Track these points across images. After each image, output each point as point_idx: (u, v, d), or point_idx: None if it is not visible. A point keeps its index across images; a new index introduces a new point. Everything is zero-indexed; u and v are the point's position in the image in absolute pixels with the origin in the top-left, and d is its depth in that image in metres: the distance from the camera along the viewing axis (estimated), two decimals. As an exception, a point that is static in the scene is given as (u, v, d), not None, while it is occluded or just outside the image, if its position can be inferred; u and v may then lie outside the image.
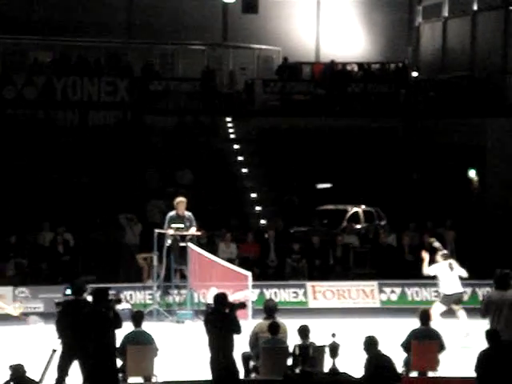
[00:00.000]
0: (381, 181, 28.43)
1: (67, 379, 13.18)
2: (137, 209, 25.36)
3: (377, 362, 12.07)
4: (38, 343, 16.58)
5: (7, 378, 11.46)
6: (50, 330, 14.28)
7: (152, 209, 25.49)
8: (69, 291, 13.41)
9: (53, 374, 13.15)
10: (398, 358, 13.35)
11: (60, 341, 13.13)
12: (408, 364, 13.68)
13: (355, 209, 26.82)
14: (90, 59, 30.08)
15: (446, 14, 34.76)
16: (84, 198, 26.18)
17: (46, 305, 20.72)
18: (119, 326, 12.62)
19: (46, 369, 13.07)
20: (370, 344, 12.23)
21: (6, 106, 28.66)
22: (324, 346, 12.81)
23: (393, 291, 22.25)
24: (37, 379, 12.28)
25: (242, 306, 13.19)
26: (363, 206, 27.04)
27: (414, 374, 13.71)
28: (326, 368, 12.78)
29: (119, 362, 13.00)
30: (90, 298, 13.15)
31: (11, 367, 11.42)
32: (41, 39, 31.14)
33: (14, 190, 26.15)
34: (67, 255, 23.38)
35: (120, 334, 12.99)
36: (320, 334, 13.26)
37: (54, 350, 13.11)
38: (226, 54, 32.95)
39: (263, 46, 33.33)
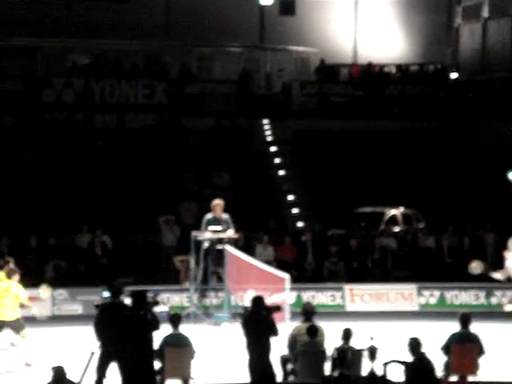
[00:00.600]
0: (419, 183, 28.21)
1: (105, 381, 13.22)
2: (174, 211, 25.42)
3: (419, 365, 11.96)
4: (76, 345, 16.66)
5: (49, 379, 11.50)
6: (88, 332, 14.33)
7: (185, 211, 25.53)
8: (106, 293, 13.43)
9: (91, 375, 13.19)
10: (438, 362, 13.22)
11: (98, 343, 13.16)
12: (448, 367, 13.54)
13: (393, 211, 26.63)
14: (128, 62, 30.23)
15: (485, 14, 34.48)
16: (122, 201, 26.28)
17: (85, 307, 20.81)
18: (157, 328, 12.63)
19: (84, 371, 13.12)
20: (415, 345, 12.14)
21: (45, 110, 28.87)
22: (362, 349, 12.73)
23: (432, 294, 22.03)
24: (76, 381, 12.31)
25: (277, 309, 13.14)
26: (401, 209, 26.85)
27: (453, 377, 13.56)
28: (365, 371, 12.70)
29: (157, 365, 13.00)
30: (127, 301, 13.18)
31: (53, 369, 11.46)
32: (79, 42, 31.37)
33: (52, 193, 26.32)
34: (105, 257, 23.47)
35: (158, 337, 12.99)
36: (358, 338, 13.16)
37: (93, 353, 13.15)
38: (263, 56, 32.95)
39: (300, 48, 33.29)
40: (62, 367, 11.48)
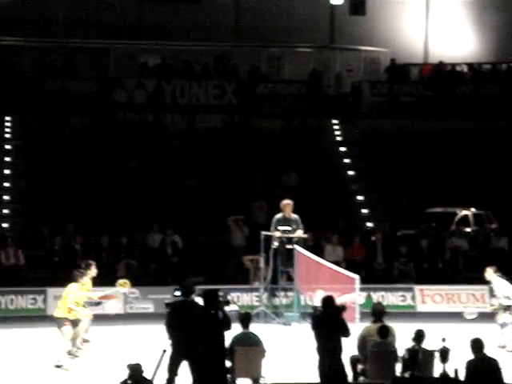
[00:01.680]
0: (491, 183, 27.85)
1: (177, 379, 13.33)
2: (244, 211, 25.52)
3: (480, 365, 11.83)
4: (148, 343, 16.85)
5: (124, 376, 11.62)
6: (159, 330, 14.49)
7: (256, 210, 25.60)
8: (178, 292, 13.54)
9: (163, 374, 13.32)
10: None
11: (170, 341, 13.29)
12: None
13: (464, 212, 26.37)
14: (198, 63, 30.46)
15: (559, 12, 33.88)
16: (192, 201, 26.48)
17: (156, 305, 21.04)
18: (229, 327, 12.68)
19: (156, 369, 13.24)
20: (477, 346, 12.01)
21: (117, 110, 29.25)
22: (434, 350, 12.63)
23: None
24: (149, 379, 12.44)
25: (343, 308, 13.10)
26: (473, 209, 26.55)
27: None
28: (437, 373, 12.60)
29: (227, 363, 13.06)
30: (198, 300, 13.27)
31: (129, 366, 11.57)
32: (150, 44, 31.70)
33: (124, 193, 26.65)
34: (176, 257, 23.70)
35: (228, 336, 13.06)
36: (429, 339, 13.06)
37: (165, 351, 13.27)
38: (332, 56, 32.86)
39: (370, 48, 33.11)
40: (139, 364, 11.58)
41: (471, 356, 12.09)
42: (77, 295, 16.15)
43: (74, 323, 16.20)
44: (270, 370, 13.70)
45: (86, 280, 16.77)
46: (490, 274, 16.68)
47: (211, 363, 12.30)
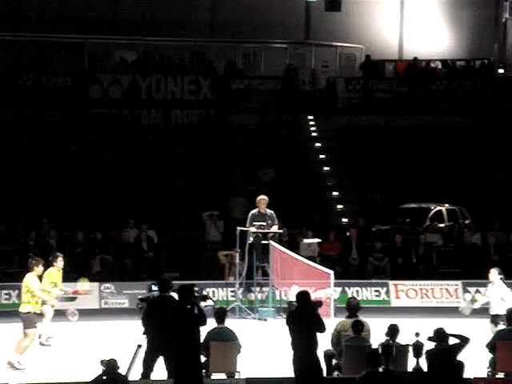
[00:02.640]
0: (465, 179, 28.04)
1: (152, 374, 13.35)
2: (219, 206, 25.55)
3: (440, 353, 12.00)
4: (123, 338, 16.85)
5: (99, 372, 11.62)
6: (134, 325, 14.49)
7: (234, 206, 25.64)
8: (155, 287, 13.56)
9: (138, 369, 13.33)
10: (484, 359, 13.19)
11: (145, 336, 13.30)
12: (494, 365, 13.49)
13: (438, 207, 26.52)
14: (174, 58, 30.42)
15: (533, 9, 34.13)
16: (167, 196, 26.47)
17: (131, 301, 21.01)
18: (204, 322, 12.69)
19: (131, 364, 13.26)
20: (441, 334, 12.18)
21: (93, 105, 29.17)
22: (408, 345, 12.73)
23: (478, 291, 21.91)
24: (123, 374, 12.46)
25: (319, 304, 13.17)
26: (446, 205, 26.72)
27: (500, 374, 13.50)
28: (410, 367, 12.70)
29: (202, 359, 13.09)
30: (174, 295, 13.28)
31: (104, 362, 11.56)
32: (126, 39, 31.61)
33: (99, 188, 26.59)
34: (151, 252, 23.67)
35: (203, 331, 13.08)
36: (403, 334, 13.16)
37: (139, 346, 13.28)
38: (308, 52, 32.92)
39: (345, 44, 33.21)
40: (114, 360, 11.58)
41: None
42: (37, 284, 15.77)
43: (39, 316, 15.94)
44: (245, 364, 13.75)
45: (53, 271, 16.76)
46: (494, 274, 16.81)
47: (186, 358, 12.31)
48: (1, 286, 21.63)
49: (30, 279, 15.79)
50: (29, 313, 15.64)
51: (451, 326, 13.00)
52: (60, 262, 17.08)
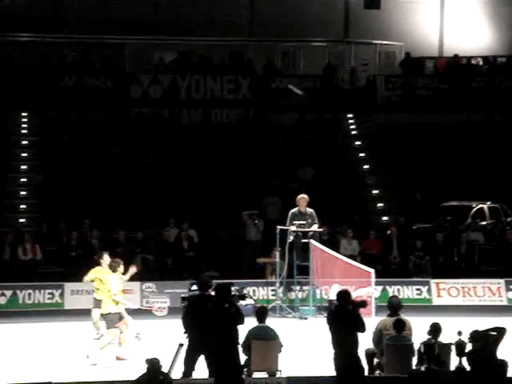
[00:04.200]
0: (507, 176, 27.78)
1: (194, 373, 13.39)
2: (259, 206, 25.58)
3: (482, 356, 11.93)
4: (164, 337, 16.92)
5: (143, 371, 11.67)
6: (176, 324, 14.55)
7: (268, 205, 25.66)
8: (195, 287, 13.60)
9: (180, 367, 13.38)
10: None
11: (187, 335, 13.34)
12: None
13: (480, 205, 26.31)
14: (213, 58, 30.50)
15: None
16: (208, 195, 26.54)
17: (172, 299, 21.09)
18: (242, 321, 12.71)
19: (173, 363, 13.31)
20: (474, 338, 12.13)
21: (133, 105, 29.32)
22: (450, 344, 12.64)
23: (521, 289, 21.75)
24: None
25: (363, 304, 13.13)
26: (488, 203, 26.50)
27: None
28: (453, 366, 12.62)
29: (244, 357, 13.12)
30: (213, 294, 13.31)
31: (148, 361, 11.61)
32: (165, 39, 31.74)
33: (140, 188, 26.73)
34: (191, 251, 23.76)
35: (244, 330, 13.10)
36: (445, 332, 13.08)
37: (181, 345, 13.33)
38: (347, 50, 32.80)
39: (385, 42, 33.04)
40: (157, 359, 11.61)
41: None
42: (117, 286, 15.90)
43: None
44: (286, 363, 13.74)
45: (100, 269, 16.79)
46: None
47: (225, 357, 12.35)
48: (43, 285, 21.83)
49: (113, 281, 15.87)
50: (109, 313, 15.76)
51: (494, 324, 12.87)
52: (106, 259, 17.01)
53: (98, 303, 16.60)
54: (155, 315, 16.64)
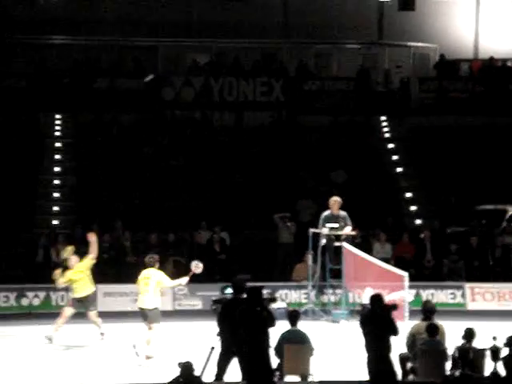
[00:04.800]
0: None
1: (225, 376, 13.33)
2: (291, 208, 25.49)
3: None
4: (196, 340, 16.88)
5: (175, 374, 11.62)
6: (207, 327, 14.51)
7: (301, 208, 25.56)
8: (229, 290, 13.56)
9: (212, 370, 13.33)
10: None
11: (219, 338, 13.29)
12: None
13: (516, 209, 26.03)
14: (246, 60, 30.46)
15: None
16: (240, 198, 26.50)
17: (204, 302, 21.09)
18: (272, 324, 12.67)
19: (205, 366, 13.26)
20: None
21: (165, 107, 29.37)
22: (485, 349, 12.48)
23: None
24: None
25: (394, 308, 13.01)
26: (524, 206, 26.21)
27: None
28: (487, 372, 12.45)
29: (276, 361, 13.04)
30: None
31: (180, 364, 11.56)
32: (198, 41, 31.77)
33: (171, 190, 26.75)
34: (223, 254, 23.72)
35: (276, 333, 13.03)
36: (480, 337, 12.91)
37: (213, 348, 13.28)
38: (381, 53, 32.61)
39: (419, 44, 32.82)
40: (190, 363, 11.56)
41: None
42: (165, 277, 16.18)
43: None
44: (319, 367, 13.65)
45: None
46: None
47: (256, 360, 12.30)
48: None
49: (160, 275, 16.10)
50: (156, 308, 15.95)
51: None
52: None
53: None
54: (194, 273, 16.53)
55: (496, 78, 30.86)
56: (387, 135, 30.48)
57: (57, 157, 28.40)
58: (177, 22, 31.85)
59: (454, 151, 28.96)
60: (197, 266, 16.50)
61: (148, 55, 31.06)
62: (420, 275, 22.63)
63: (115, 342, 17.78)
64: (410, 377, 13.18)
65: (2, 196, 25.62)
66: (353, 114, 29.89)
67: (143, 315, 16.14)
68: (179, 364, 11.58)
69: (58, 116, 29.37)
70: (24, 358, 16.43)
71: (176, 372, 11.63)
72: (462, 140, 29.28)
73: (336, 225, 20.29)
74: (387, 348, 12.50)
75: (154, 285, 16.02)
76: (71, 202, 26.59)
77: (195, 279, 22.41)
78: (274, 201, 25.93)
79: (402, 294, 17.38)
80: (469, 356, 12.16)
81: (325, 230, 20.22)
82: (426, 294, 21.64)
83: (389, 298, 16.64)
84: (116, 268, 23.18)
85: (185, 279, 16.51)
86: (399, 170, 29.18)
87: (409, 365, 13.23)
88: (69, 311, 17.81)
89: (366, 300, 14.00)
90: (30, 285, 21.85)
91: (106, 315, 20.56)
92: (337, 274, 20.54)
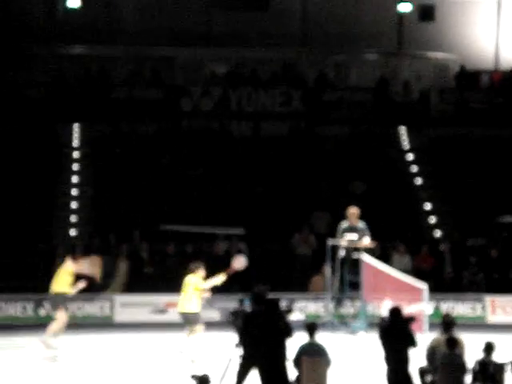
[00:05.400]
0: None
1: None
2: (308, 219, 25.37)
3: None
4: (214, 351, 16.77)
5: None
6: (225, 339, 14.39)
7: (317, 220, 25.44)
8: (247, 302, 13.51)
9: (230, 381, 13.21)
10: None
11: (240, 348, 13.20)
12: None
13: (536, 221, 25.80)
14: (265, 70, 30.42)
15: None
16: (258, 208, 26.40)
17: (222, 314, 20.95)
18: (290, 336, 12.59)
19: (222, 377, 13.17)
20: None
21: (183, 118, 29.35)
22: (505, 363, 12.31)
23: None
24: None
25: (412, 319, 12.88)
26: (545, 218, 25.97)
27: None
28: (508, 386, 12.29)
29: (294, 373, 12.92)
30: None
31: (195, 377, 11.43)
32: (217, 51, 31.76)
33: (190, 200, 26.69)
34: (241, 265, 23.55)
35: (293, 345, 12.91)
36: (500, 351, 12.73)
37: (230, 359, 13.19)
38: (400, 63, 32.50)
39: (439, 54, 32.68)
40: (207, 375, 11.45)
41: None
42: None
43: None
44: (336, 379, 13.51)
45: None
46: None
47: (273, 371, 12.21)
48: (93, 297, 21.80)
49: (196, 279, 16.69)
50: (194, 312, 16.55)
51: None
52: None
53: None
54: (235, 270, 17.07)
55: (517, 89, 30.67)
56: (406, 146, 30.34)
57: (75, 167, 28.41)
58: (195, 31, 31.86)
59: (474, 162, 28.78)
60: (239, 261, 16.69)
61: (166, 65, 31.08)
62: (439, 287, 22.43)
63: (131, 353, 17.67)
64: (430, 390, 13.02)
65: (19, 206, 25.65)
66: (372, 124, 29.78)
67: (182, 319, 16.68)
68: (193, 376, 11.46)
69: (76, 126, 29.40)
70: (40, 368, 16.36)
71: (192, 384, 11.51)
72: (482, 151, 29.11)
73: (355, 236, 20.13)
74: (406, 361, 12.41)
75: (192, 290, 16.54)
76: (89, 213, 26.57)
77: (214, 290, 22.44)
78: (293, 211, 25.82)
79: (421, 306, 17.22)
80: (489, 370, 12.01)
81: (343, 242, 20.06)
82: (445, 307, 21.44)
83: (408, 310, 16.47)
84: (133, 278, 23.10)
85: (221, 278, 16.64)
86: (419, 181, 29.02)
87: (428, 378, 13.09)
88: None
89: (384, 312, 13.85)
90: (47, 295, 21.78)
91: (123, 326, 20.55)
92: (355, 286, 20.38)
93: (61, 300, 17.49)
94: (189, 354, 16.37)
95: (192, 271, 16.86)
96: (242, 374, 13.16)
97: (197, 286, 16.67)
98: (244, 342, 13.12)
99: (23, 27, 30.90)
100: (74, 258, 20.18)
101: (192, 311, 16.59)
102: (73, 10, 31.18)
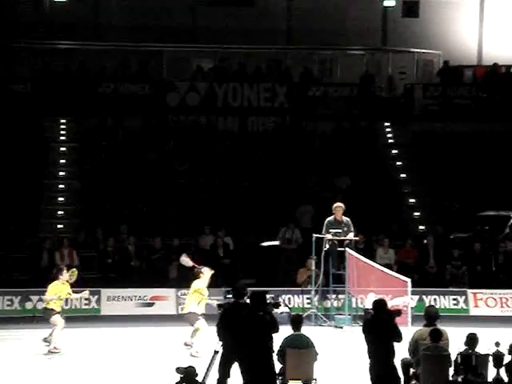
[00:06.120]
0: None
1: (228, 380, 13.36)
2: (295, 214, 25.53)
3: None
4: (200, 344, 16.94)
5: (176, 379, 11.63)
6: (211, 332, 14.55)
7: (301, 215, 25.61)
8: (230, 295, 13.60)
9: (214, 375, 13.37)
10: None
11: (221, 343, 13.33)
12: None
13: (518, 215, 26.06)
14: (250, 66, 30.55)
15: None
16: (243, 203, 26.55)
17: (208, 307, 21.07)
18: (276, 329, 12.69)
19: (208, 370, 13.29)
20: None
21: (170, 113, 29.44)
22: (488, 355, 12.51)
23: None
24: (200, 381, 12.47)
25: (398, 313, 13.04)
26: (527, 212, 26.23)
27: None
28: (490, 378, 12.48)
29: (279, 366, 13.08)
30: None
31: (182, 370, 11.55)
32: (203, 47, 31.84)
33: (176, 195, 26.81)
34: (227, 258, 23.77)
35: (279, 338, 13.07)
36: (482, 343, 12.94)
37: (216, 352, 13.32)
38: (385, 59, 32.67)
39: (423, 50, 32.88)
40: (193, 368, 11.57)
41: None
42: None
43: None
44: (322, 372, 13.69)
45: (57, 284, 17.47)
46: None
47: (259, 365, 12.32)
48: (80, 291, 21.89)
49: (195, 283, 17.52)
50: (190, 312, 17.35)
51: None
52: (65, 275, 17.55)
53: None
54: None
55: (500, 84, 30.90)
56: (391, 141, 30.52)
57: (61, 161, 28.46)
58: (182, 27, 31.92)
59: (458, 157, 28.99)
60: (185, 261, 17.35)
61: (152, 60, 31.14)
62: (423, 281, 22.66)
63: (117, 346, 17.82)
64: (413, 382, 13.19)
65: (6, 200, 25.70)
66: (356, 119, 29.95)
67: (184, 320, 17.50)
68: (178, 369, 11.58)
69: (62, 120, 29.44)
70: (27, 362, 16.48)
71: (176, 377, 11.64)
72: (465, 146, 29.32)
73: (339, 230, 20.34)
74: (390, 353, 12.51)
75: (191, 292, 17.44)
76: (76, 207, 26.66)
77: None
78: (278, 206, 25.98)
79: (404, 299, 17.42)
80: (471, 362, 12.17)
81: (328, 236, 20.26)
82: (428, 300, 21.65)
83: (392, 303, 16.68)
84: (120, 272, 23.25)
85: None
86: (403, 175, 29.22)
87: (411, 370, 13.25)
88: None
89: (369, 305, 14.04)
90: (34, 289, 21.89)
91: (109, 319, 20.67)
92: (340, 280, 20.59)
93: (48, 314, 17.61)
94: (193, 349, 16.95)
95: (196, 276, 17.51)
96: (224, 368, 13.20)
97: (195, 287, 17.42)
98: (222, 335, 13.22)
99: (10, 21, 30.89)
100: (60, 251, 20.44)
101: (187, 311, 17.40)
102: (59, 5, 31.21)
